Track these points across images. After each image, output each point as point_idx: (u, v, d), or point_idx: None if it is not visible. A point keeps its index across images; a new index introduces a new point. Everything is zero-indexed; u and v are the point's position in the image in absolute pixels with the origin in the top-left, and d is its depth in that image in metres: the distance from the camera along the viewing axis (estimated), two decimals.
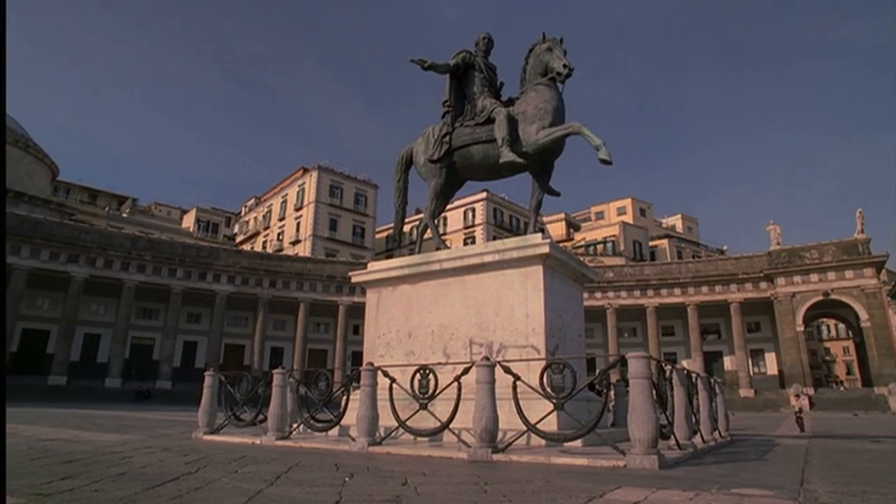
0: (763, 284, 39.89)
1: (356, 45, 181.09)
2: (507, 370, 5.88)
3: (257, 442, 7.54)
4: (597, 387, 8.51)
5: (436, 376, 6.44)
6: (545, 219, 65.14)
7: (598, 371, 7.50)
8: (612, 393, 8.84)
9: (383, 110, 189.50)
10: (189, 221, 70.73)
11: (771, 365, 41.81)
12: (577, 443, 5.99)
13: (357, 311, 39.19)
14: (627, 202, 69.57)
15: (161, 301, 38.82)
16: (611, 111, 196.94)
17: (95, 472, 4.31)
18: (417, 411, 6.52)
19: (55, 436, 8.03)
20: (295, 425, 8.07)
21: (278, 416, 7.74)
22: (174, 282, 38.07)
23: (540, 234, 8.00)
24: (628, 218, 66.21)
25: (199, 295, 39.26)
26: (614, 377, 10.96)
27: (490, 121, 8.80)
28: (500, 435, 5.90)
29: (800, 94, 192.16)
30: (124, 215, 64.17)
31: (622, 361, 5.57)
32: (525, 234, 8.54)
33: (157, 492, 3.57)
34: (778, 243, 39.51)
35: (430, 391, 6.42)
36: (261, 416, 8.79)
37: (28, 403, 22.63)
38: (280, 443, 7.41)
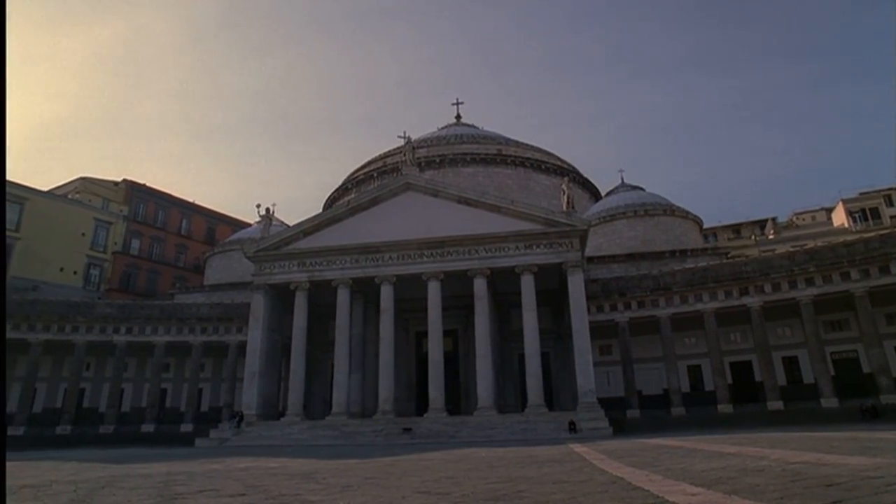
0: None
1: None
2: None
3: None
4: None
5: None
6: None
7: None
8: None
9: None
10: (840, 218, 64.16)
11: None
12: None
13: None
14: None
15: (850, 309, 35.59)
16: None
17: (864, 499, 4.10)
18: None
19: (799, 459, 8.21)
20: None
21: None
22: (852, 285, 34.45)
23: None
24: None
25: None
26: None
27: None
28: None
29: None
30: (770, 237, 64.56)
31: None
32: None
33: None
34: None
35: None
36: None
37: (745, 430, 24.64)
38: None
